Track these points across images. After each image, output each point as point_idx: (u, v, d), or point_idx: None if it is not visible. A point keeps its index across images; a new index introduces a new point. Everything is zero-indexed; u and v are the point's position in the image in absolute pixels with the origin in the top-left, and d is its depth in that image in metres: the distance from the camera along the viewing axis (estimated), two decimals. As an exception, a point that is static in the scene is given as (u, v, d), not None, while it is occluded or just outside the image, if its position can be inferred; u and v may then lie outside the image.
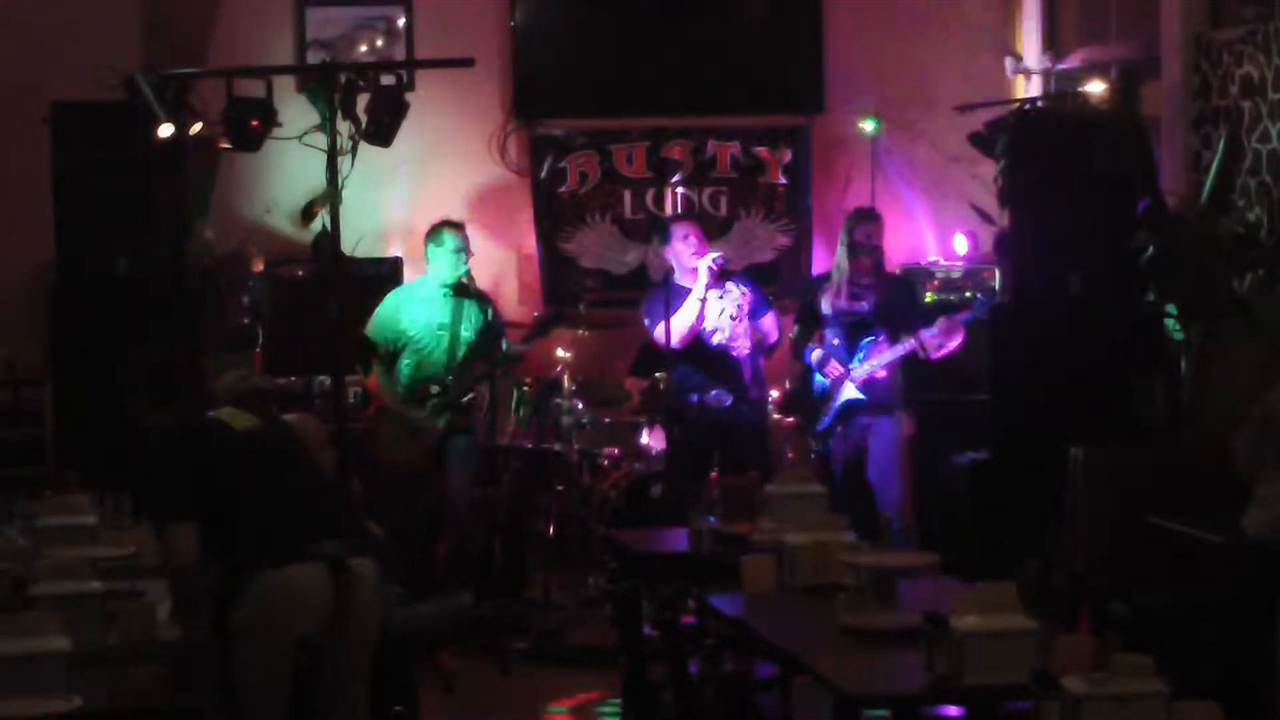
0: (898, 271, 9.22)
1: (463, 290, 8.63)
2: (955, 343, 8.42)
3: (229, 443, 5.34)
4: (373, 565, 5.39)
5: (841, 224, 8.66)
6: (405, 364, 8.61)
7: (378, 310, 8.63)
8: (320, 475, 5.73)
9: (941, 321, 8.41)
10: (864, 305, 8.49)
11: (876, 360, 8.44)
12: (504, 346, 8.69)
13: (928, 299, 9.34)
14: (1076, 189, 8.05)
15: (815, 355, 8.54)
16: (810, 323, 8.63)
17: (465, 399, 8.61)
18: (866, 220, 8.59)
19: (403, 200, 9.84)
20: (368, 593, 5.35)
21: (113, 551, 5.52)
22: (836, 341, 8.51)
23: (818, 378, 8.56)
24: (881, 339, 8.46)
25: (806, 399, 8.66)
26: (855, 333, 8.51)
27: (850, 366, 8.45)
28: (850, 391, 8.46)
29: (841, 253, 8.52)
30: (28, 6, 9.22)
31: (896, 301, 8.56)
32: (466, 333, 8.61)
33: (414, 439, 8.59)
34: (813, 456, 8.66)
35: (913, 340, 8.36)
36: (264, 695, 5.22)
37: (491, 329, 8.63)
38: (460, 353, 8.60)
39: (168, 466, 5.30)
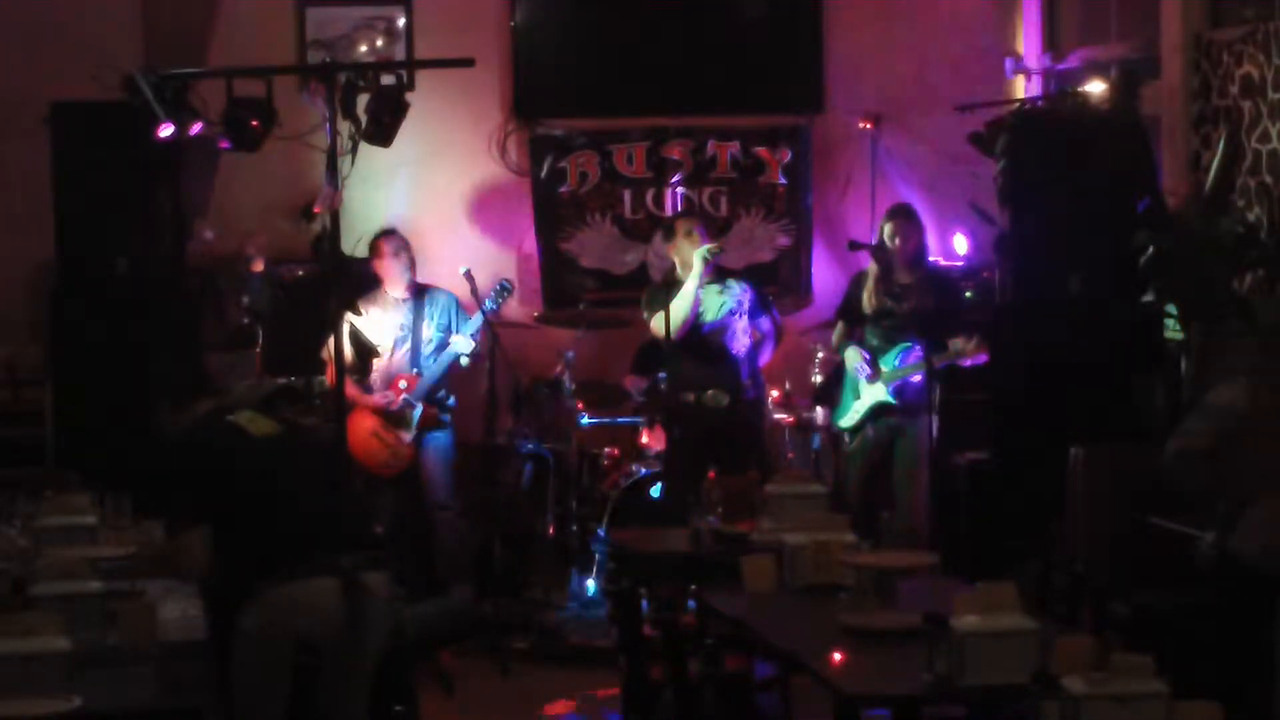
0: (937, 269, 9.13)
1: (419, 291, 8.87)
2: (982, 358, 8.45)
3: (245, 449, 5.33)
4: (385, 578, 5.39)
5: (841, 223, 8.65)
6: (374, 370, 8.84)
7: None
8: (337, 483, 5.72)
9: (976, 341, 8.42)
10: (902, 306, 8.47)
11: (904, 371, 8.46)
12: (471, 343, 8.77)
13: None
14: (1076, 189, 8.04)
15: (850, 354, 8.54)
16: (851, 319, 8.64)
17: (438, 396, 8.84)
18: (893, 217, 8.63)
19: (403, 200, 9.83)
20: (379, 606, 5.36)
21: (113, 551, 5.51)
22: (875, 342, 8.54)
23: (849, 373, 8.57)
24: (916, 349, 8.44)
25: (836, 392, 8.67)
26: (892, 335, 8.52)
27: (882, 371, 8.47)
28: (881, 393, 8.48)
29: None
30: (28, 6, 9.21)
31: (934, 306, 8.53)
32: (429, 331, 8.82)
33: (393, 438, 8.77)
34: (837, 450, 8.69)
35: (946, 362, 8.39)
36: (263, 696, 5.22)
37: (453, 323, 8.85)
38: (425, 351, 8.78)
39: (182, 472, 5.29)
